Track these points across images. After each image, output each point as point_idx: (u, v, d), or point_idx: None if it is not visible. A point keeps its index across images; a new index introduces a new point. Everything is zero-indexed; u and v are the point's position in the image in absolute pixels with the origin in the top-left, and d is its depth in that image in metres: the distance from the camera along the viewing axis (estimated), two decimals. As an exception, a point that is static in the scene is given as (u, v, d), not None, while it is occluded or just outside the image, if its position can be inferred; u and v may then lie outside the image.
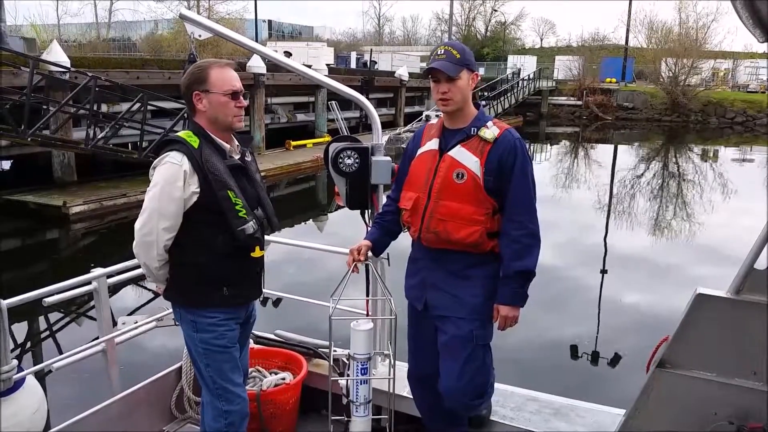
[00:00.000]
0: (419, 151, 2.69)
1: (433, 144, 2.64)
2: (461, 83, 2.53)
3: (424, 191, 2.59)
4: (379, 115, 3.25)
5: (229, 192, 2.42)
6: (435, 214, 2.56)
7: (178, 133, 2.51)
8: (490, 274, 2.61)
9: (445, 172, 2.55)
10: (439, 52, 2.54)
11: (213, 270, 2.46)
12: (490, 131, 2.53)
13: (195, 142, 2.41)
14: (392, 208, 2.81)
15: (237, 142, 2.60)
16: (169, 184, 2.35)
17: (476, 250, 2.56)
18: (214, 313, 2.51)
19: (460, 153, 2.54)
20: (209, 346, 2.52)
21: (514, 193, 2.52)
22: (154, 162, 2.43)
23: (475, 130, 2.55)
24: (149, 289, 8.07)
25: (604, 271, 10.02)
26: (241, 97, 2.50)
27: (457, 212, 2.52)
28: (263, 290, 2.80)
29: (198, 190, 2.38)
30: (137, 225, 2.41)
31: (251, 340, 3.68)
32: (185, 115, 14.53)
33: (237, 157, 2.57)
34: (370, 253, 2.83)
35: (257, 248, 2.56)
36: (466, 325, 2.61)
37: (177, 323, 2.62)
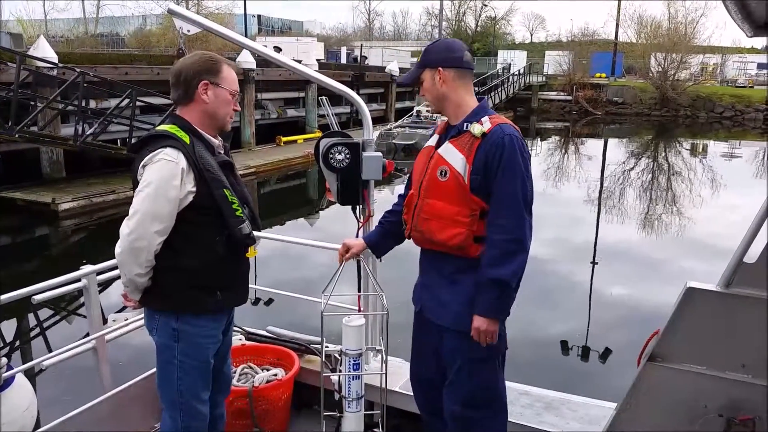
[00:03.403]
0: (423, 147, 2.64)
1: (432, 140, 2.59)
2: (426, 84, 2.49)
3: (416, 188, 2.54)
4: (370, 111, 3.24)
5: (225, 190, 2.30)
6: (421, 213, 2.49)
7: (162, 128, 2.34)
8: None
9: (431, 169, 2.46)
10: None
11: (208, 273, 2.34)
12: (480, 127, 2.37)
13: (185, 137, 2.27)
14: (399, 208, 2.72)
15: (219, 138, 2.49)
16: (165, 184, 2.19)
17: (463, 254, 2.42)
18: (202, 321, 2.39)
19: (446, 150, 2.44)
20: (188, 359, 2.38)
21: (498, 194, 2.34)
22: (144, 160, 2.23)
23: (467, 125, 2.42)
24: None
25: (594, 263, 10.06)
26: (237, 102, 2.45)
27: (440, 212, 2.42)
28: (255, 287, 2.77)
29: (194, 189, 2.24)
30: (125, 230, 2.22)
31: (243, 337, 3.67)
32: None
33: (222, 152, 2.47)
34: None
35: (252, 248, 2.48)
36: (454, 336, 2.49)
37: (152, 333, 2.44)
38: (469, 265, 2.42)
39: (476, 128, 2.38)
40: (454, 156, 2.40)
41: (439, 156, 2.45)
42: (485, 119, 2.40)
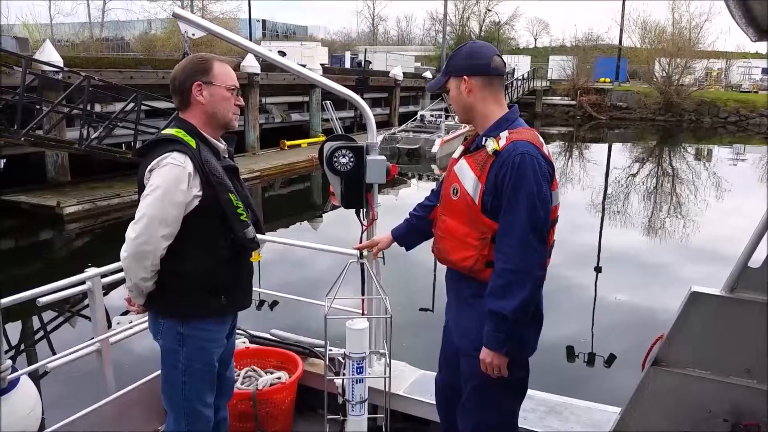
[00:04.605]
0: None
1: (457, 152, 2.47)
2: (451, 93, 2.38)
3: (441, 203, 2.48)
4: (374, 115, 3.25)
5: (230, 195, 2.29)
6: (438, 230, 2.43)
7: (168, 132, 2.32)
8: None
9: (447, 185, 2.37)
10: None
11: (212, 277, 2.34)
12: (495, 143, 2.21)
13: (191, 141, 2.26)
14: (429, 203, 2.66)
15: (224, 142, 2.48)
16: (172, 188, 2.18)
17: (476, 277, 2.29)
18: (207, 325, 2.39)
19: (460, 167, 2.32)
20: (193, 363, 2.38)
21: (505, 220, 2.17)
22: (151, 164, 2.22)
23: (485, 140, 2.26)
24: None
25: (598, 269, 10.04)
26: (239, 96, 2.43)
27: (453, 231, 2.32)
28: (260, 290, 2.77)
29: (200, 193, 2.24)
30: (131, 234, 2.20)
31: (247, 340, 3.68)
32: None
33: (227, 156, 2.47)
34: (366, 252, 2.84)
35: (256, 252, 2.48)
36: (467, 360, 2.40)
37: (157, 337, 2.43)
38: (480, 290, 2.28)
39: (490, 145, 2.22)
40: (466, 174, 2.27)
41: (454, 173, 2.34)
42: (504, 134, 2.24)
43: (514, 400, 2.48)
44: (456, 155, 2.45)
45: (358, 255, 2.90)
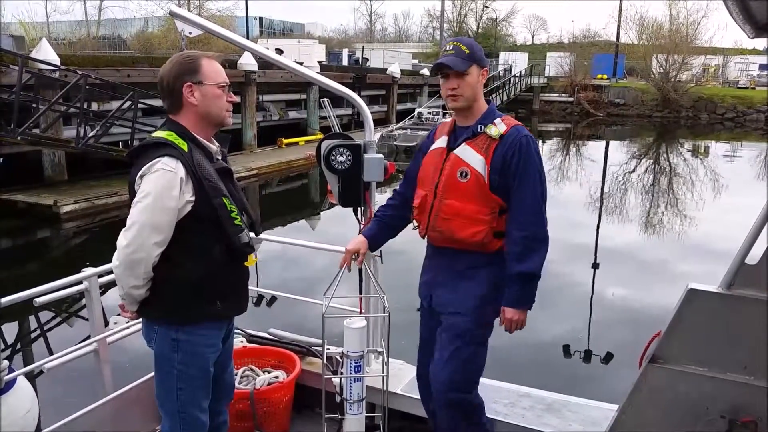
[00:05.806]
0: (430, 149, 2.69)
1: (441, 142, 2.64)
2: (470, 79, 2.51)
3: (431, 189, 2.59)
4: (371, 113, 3.24)
5: (224, 199, 2.24)
6: (440, 213, 2.56)
7: (159, 134, 2.25)
8: (496, 273, 2.57)
9: (449, 170, 2.53)
10: (447, 48, 2.53)
11: (208, 283, 2.29)
12: (497, 128, 2.50)
13: (183, 145, 2.20)
14: (396, 202, 2.81)
15: (217, 143, 2.42)
16: (164, 194, 2.12)
17: (483, 249, 2.54)
18: (201, 331, 2.33)
19: (464, 151, 2.52)
20: (188, 368, 2.34)
21: (518, 193, 2.48)
22: (142, 170, 2.16)
23: (482, 127, 2.52)
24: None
25: (595, 266, 10.05)
26: (231, 92, 2.36)
27: (461, 211, 2.51)
28: (257, 289, 2.76)
29: (193, 198, 2.18)
30: (122, 242, 2.15)
31: (244, 339, 3.68)
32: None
33: (220, 158, 2.40)
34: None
35: (251, 256, 2.43)
36: (461, 319, 2.59)
37: (150, 343, 2.38)
38: (485, 261, 2.57)
39: (493, 130, 2.50)
40: (473, 157, 2.50)
41: (457, 157, 2.53)
42: (498, 121, 2.53)
43: (484, 352, 2.70)
44: (441, 144, 2.63)
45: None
